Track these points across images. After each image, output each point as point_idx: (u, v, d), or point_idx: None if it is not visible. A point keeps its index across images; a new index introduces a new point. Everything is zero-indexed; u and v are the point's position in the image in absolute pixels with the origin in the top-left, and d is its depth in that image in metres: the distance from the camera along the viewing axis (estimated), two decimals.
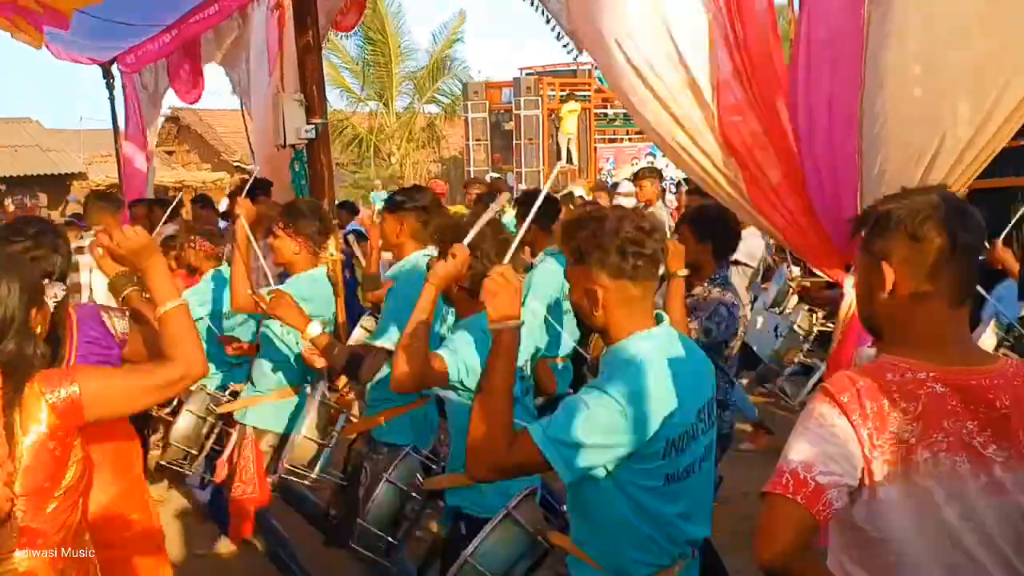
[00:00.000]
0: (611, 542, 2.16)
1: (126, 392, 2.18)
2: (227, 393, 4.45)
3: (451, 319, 3.28)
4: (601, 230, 2.09)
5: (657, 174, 7.92)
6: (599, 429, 2.00)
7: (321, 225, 4.13)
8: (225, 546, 5.01)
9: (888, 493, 1.66)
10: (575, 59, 4.71)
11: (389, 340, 3.37)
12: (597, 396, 2.03)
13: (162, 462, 4.31)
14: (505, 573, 2.41)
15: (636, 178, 7.91)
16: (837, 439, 1.66)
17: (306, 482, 3.80)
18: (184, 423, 4.17)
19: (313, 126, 5.58)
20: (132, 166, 9.71)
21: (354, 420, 3.87)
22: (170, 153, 25.46)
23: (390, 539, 3.04)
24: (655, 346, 2.13)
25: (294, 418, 4.11)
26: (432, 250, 3.67)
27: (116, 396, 2.15)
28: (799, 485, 1.62)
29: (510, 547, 2.42)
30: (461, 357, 2.70)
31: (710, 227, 3.76)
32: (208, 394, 4.27)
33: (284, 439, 4.15)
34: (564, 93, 18.79)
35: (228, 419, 4.29)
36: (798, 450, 1.67)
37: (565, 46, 4.84)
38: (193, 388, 4.19)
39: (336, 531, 4.06)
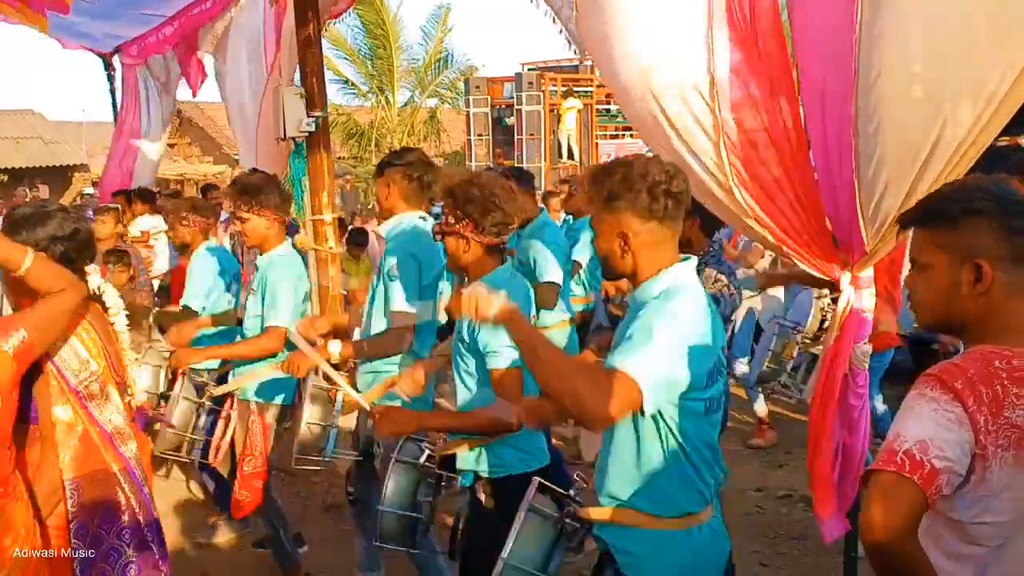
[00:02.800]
0: (657, 484, 2.20)
1: (53, 321, 2.41)
2: (211, 374, 4.49)
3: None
4: (631, 174, 2.18)
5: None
6: (674, 355, 2.08)
7: (283, 192, 4.20)
8: (224, 535, 5.05)
9: (1001, 477, 1.67)
10: (576, 53, 4.73)
11: (405, 307, 3.55)
12: (663, 324, 2.09)
13: (156, 453, 4.31)
14: (545, 564, 2.39)
15: None
16: (952, 426, 1.64)
17: (319, 467, 3.82)
18: (179, 410, 4.16)
19: (313, 119, 5.59)
20: (123, 157, 9.70)
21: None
22: (172, 146, 25.44)
23: (413, 515, 2.99)
24: (690, 274, 2.26)
25: (293, 389, 4.19)
26: (420, 217, 3.78)
27: (49, 328, 2.40)
28: (916, 465, 1.61)
29: (540, 539, 2.40)
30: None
31: (696, 203, 3.83)
32: (200, 380, 4.28)
33: (284, 410, 4.22)
34: (565, 89, 18.79)
35: (219, 403, 4.32)
36: (912, 431, 1.65)
37: (569, 45, 4.87)
38: (185, 373, 4.24)
39: (358, 516, 4.10)
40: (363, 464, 3.93)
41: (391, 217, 3.82)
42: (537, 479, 2.49)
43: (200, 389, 4.24)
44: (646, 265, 2.23)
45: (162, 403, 4.24)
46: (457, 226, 2.87)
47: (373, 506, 3.76)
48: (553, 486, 2.50)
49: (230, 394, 4.28)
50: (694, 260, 2.32)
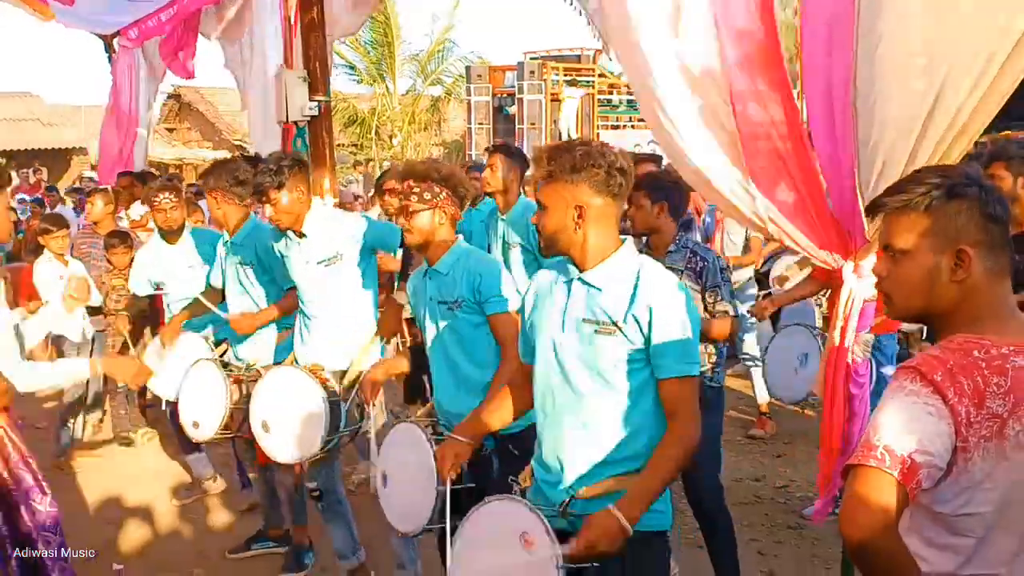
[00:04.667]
0: (655, 436, 2.36)
1: None
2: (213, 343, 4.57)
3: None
4: (591, 151, 2.35)
5: (656, 160, 7.63)
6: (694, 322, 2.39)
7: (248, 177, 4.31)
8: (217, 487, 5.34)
9: (983, 468, 1.66)
10: (596, 38, 4.68)
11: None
12: (684, 307, 2.36)
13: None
14: None
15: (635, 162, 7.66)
16: (932, 419, 1.62)
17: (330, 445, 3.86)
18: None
19: (316, 103, 5.58)
20: (114, 140, 9.65)
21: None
22: (171, 131, 25.39)
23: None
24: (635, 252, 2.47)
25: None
26: None
27: None
28: (895, 460, 1.59)
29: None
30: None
31: (662, 189, 3.93)
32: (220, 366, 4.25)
33: None
34: (568, 78, 18.72)
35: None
36: (891, 426, 1.63)
37: (594, 36, 4.84)
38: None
39: (327, 508, 4.11)
40: (324, 457, 3.92)
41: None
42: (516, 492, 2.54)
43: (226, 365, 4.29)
44: (594, 242, 2.38)
45: None
46: (435, 200, 3.14)
47: (338, 489, 3.99)
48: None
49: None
50: (631, 240, 2.49)
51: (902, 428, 1.62)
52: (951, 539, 1.73)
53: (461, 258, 3.19)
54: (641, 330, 2.32)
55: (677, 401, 2.32)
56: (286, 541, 4.63)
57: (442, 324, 3.21)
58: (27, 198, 14.35)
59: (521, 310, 2.71)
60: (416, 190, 3.14)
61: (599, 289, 2.38)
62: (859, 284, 3.05)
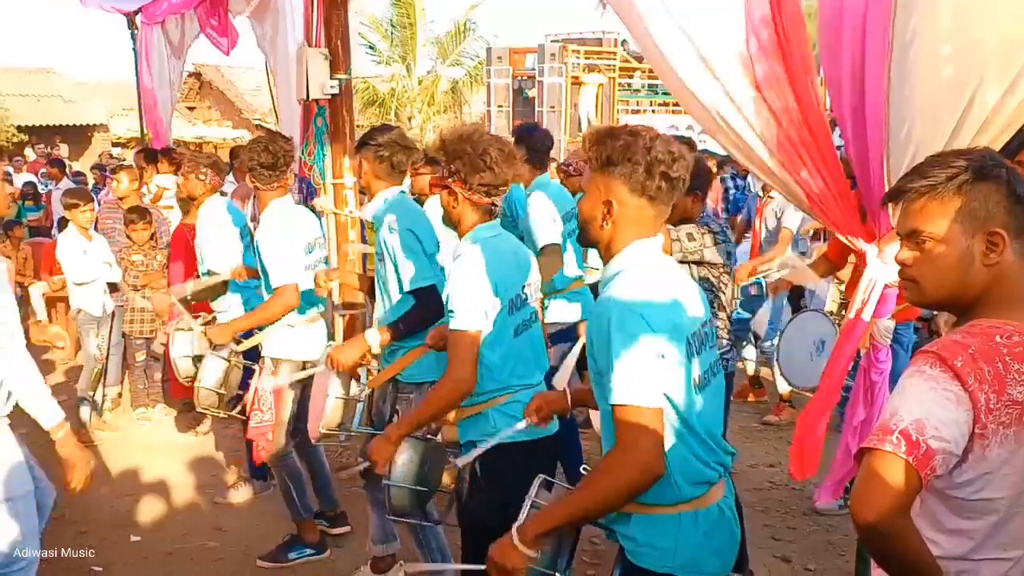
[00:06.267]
0: None
1: None
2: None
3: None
4: (635, 144, 2.08)
5: (692, 145, 7.33)
6: (651, 356, 1.99)
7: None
8: (240, 496, 5.11)
9: (1001, 454, 1.65)
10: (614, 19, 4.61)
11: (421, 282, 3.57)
12: (626, 336, 2.00)
13: (199, 408, 4.42)
14: (553, 561, 2.23)
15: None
16: (950, 405, 1.60)
17: (342, 438, 3.86)
18: (211, 367, 4.26)
19: (337, 81, 5.56)
20: (157, 116, 9.73)
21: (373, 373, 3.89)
22: (191, 109, 25.45)
23: (420, 488, 2.98)
24: (659, 249, 2.19)
25: (308, 346, 4.25)
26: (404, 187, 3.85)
27: None
28: (912, 446, 1.57)
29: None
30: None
31: (696, 178, 3.81)
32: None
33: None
34: (589, 61, 18.60)
35: (252, 358, 4.40)
36: (908, 410, 1.60)
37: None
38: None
39: (371, 489, 4.10)
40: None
41: (371, 196, 3.85)
42: (541, 476, 2.41)
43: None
44: (621, 242, 2.15)
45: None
46: (448, 180, 2.88)
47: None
48: (559, 483, 2.45)
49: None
50: (659, 239, 2.22)
51: (919, 414, 1.60)
52: (963, 524, 1.71)
53: (461, 248, 2.97)
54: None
55: (618, 428, 2.04)
56: (335, 521, 4.63)
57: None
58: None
59: None
60: (442, 163, 2.97)
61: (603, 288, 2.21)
62: (882, 269, 3.04)
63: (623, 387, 1.99)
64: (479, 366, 2.81)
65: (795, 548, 4.47)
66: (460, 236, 2.96)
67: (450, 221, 2.97)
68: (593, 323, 2.14)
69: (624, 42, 18.72)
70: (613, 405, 2.01)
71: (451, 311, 2.78)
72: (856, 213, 3.12)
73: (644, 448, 1.97)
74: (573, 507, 2.07)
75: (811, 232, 6.74)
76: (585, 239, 2.25)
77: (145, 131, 10.32)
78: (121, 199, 6.82)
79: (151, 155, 8.39)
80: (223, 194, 5.50)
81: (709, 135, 3.37)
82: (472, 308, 2.77)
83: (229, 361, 4.27)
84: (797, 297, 6.42)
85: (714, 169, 8.17)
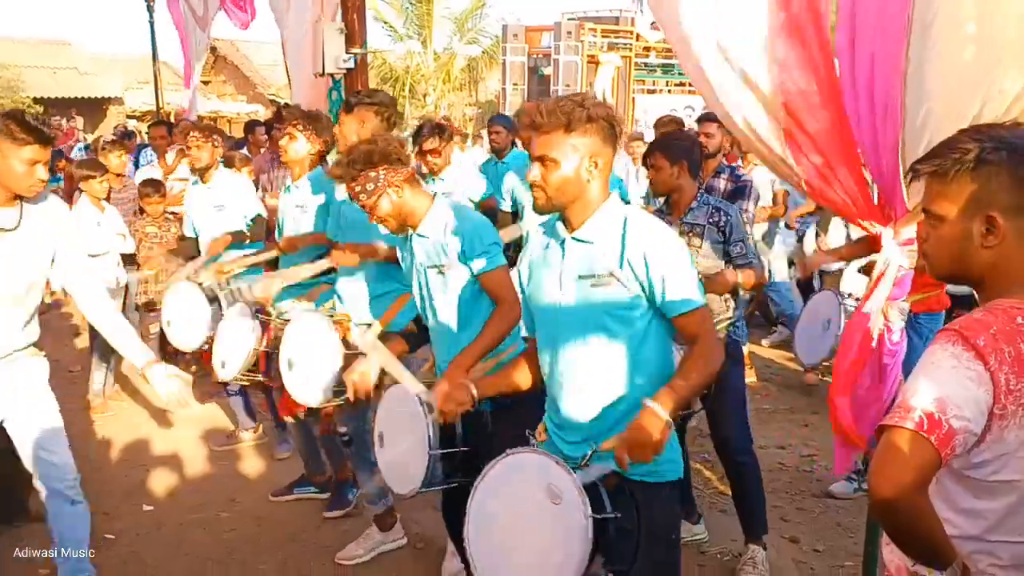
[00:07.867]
0: (664, 372, 2.39)
1: None
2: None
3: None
4: (597, 103, 2.39)
5: (680, 123, 6.62)
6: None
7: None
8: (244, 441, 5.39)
9: (1020, 435, 1.64)
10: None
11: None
12: (676, 243, 2.39)
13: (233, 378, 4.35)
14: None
15: (700, 121, 5.93)
16: (971, 384, 1.60)
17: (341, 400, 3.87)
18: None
19: (352, 55, 5.55)
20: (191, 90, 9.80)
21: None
22: (206, 83, 25.45)
23: (457, 450, 2.98)
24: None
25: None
26: None
27: None
28: (933, 424, 1.57)
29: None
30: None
31: (680, 148, 3.91)
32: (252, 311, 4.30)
33: None
34: (606, 40, 18.49)
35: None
36: (930, 389, 1.61)
37: None
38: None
39: (356, 454, 4.18)
40: (354, 403, 3.84)
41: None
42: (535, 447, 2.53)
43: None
44: (595, 195, 2.40)
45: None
46: (379, 185, 3.08)
47: (366, 437, 3.90)
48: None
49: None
50: (616, 192, 2.50)
51: (941, 392, 1.60)
52: (979, 504, 1.72)
53: (442, 219, 3.14)
54: (637, 276, 2.33)
55: (695, 328, 2.35)
56: (328, 487, 4.72)
57: (434, 287, 3.17)
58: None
59: (521, 285, 2.68)
60: (358, 190, 3.10)
61: (591, 243, 2.39)
62: (897, 251, 3.02)
63: (692, 295, 2.35)
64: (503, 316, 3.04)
65: (804, 529, 4.48)
66: (413, 218, 3.18)
67: (401, 225, 3.19)
68: (644, 237, 2.37)
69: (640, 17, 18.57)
70: (685, 312, 2.34)
71: (487, 252, 3.06)
72: (869, 197, 3.09)
73: (717, 338, 2.42)
74: (688, 384, 2.29)
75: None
76: (560, 201, 2.41)
77: (162, 104, 10.35)
78: (110, 171, 6.85)
79: (171, 128, 8.46)
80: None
81: (722, 120, 3.36)
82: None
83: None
84: (804, 289, 6.42)
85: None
